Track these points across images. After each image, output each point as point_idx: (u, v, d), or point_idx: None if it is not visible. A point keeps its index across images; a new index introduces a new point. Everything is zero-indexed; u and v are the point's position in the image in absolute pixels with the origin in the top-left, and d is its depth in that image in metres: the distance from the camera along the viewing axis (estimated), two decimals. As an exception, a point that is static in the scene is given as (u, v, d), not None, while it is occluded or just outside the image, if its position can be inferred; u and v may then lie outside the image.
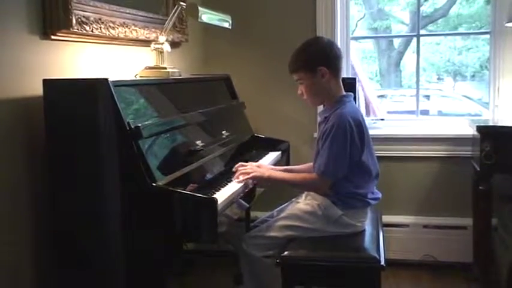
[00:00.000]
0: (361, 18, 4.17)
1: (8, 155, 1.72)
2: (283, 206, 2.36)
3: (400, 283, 2.95)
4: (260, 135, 2.94)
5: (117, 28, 2.20)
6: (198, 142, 2.10)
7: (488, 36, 3.21)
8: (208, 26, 2.91)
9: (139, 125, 1.73)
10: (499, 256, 2.77)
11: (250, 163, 2.29)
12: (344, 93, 2.20)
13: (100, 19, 2.07)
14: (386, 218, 2.81)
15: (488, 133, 2.62)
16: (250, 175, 2.14)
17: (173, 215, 1.72)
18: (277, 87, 3.25)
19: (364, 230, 2.16)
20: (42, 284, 1.88)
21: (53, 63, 1.92)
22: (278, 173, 2.25)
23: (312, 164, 2.24)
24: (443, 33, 4.20)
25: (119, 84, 1.78)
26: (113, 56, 2.29)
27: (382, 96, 4.62)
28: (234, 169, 2.19)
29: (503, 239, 2.72)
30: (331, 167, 2.06)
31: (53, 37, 1.89)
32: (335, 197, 2.12)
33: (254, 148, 2.82)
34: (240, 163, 2.24)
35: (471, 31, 4.08)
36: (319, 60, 2.14)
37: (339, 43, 3.20)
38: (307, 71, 2.16)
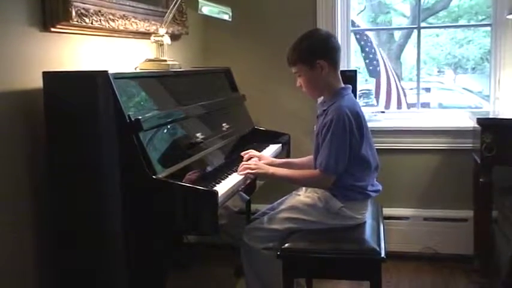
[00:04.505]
0: (361, 11, 4.15)
1: (8, 147, 1.72)
2: (283, 198, 2.36)
3: (400, 275, 2.96)
4: (260, 128, 2.93)
5: (117, 20, 2.19)
6: (199, 135, 2.10)
7: (489, 28, 3.20)
8: (208, 19, 2.91)
9: (140, 117, 1.73)
10: (499, 248, 2.78)
11: (251, 151, 2.31)
12: (342, 85, 2.19)
13: (100, 11, 2.07)
14: (387, 211, 2.81)
15: (488, 125, 2.61)
16: (254, 171, 2.14)
17: (174, 208, 1.72)
18: (278, 80, 3.24)
19: (364, 222, 2.16)
20: (44, 281, 1.88)
21: (53, 56, 1.91)
22: (281, 170, 2.23)
23: (312, 156, 2.24)
24: (444, 25, 4.18)
25: (119, 76, 1.78)
26: (112, 49, 2.28)
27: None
28: (241, 165, 2.19)
29: (504, 231, 2.72)
30: (333, 163, 2.04)
31: (52, 29, 1.89)
32: (335, 189, 2.12)
33: (255, 141, 2.82)
34: (248, 153, 2.28)
35: (472, 23, 4.06)
36: (318, 53, 2.12)
37: (339, 35, 3.19)
38: (306, 65, 2.14)
